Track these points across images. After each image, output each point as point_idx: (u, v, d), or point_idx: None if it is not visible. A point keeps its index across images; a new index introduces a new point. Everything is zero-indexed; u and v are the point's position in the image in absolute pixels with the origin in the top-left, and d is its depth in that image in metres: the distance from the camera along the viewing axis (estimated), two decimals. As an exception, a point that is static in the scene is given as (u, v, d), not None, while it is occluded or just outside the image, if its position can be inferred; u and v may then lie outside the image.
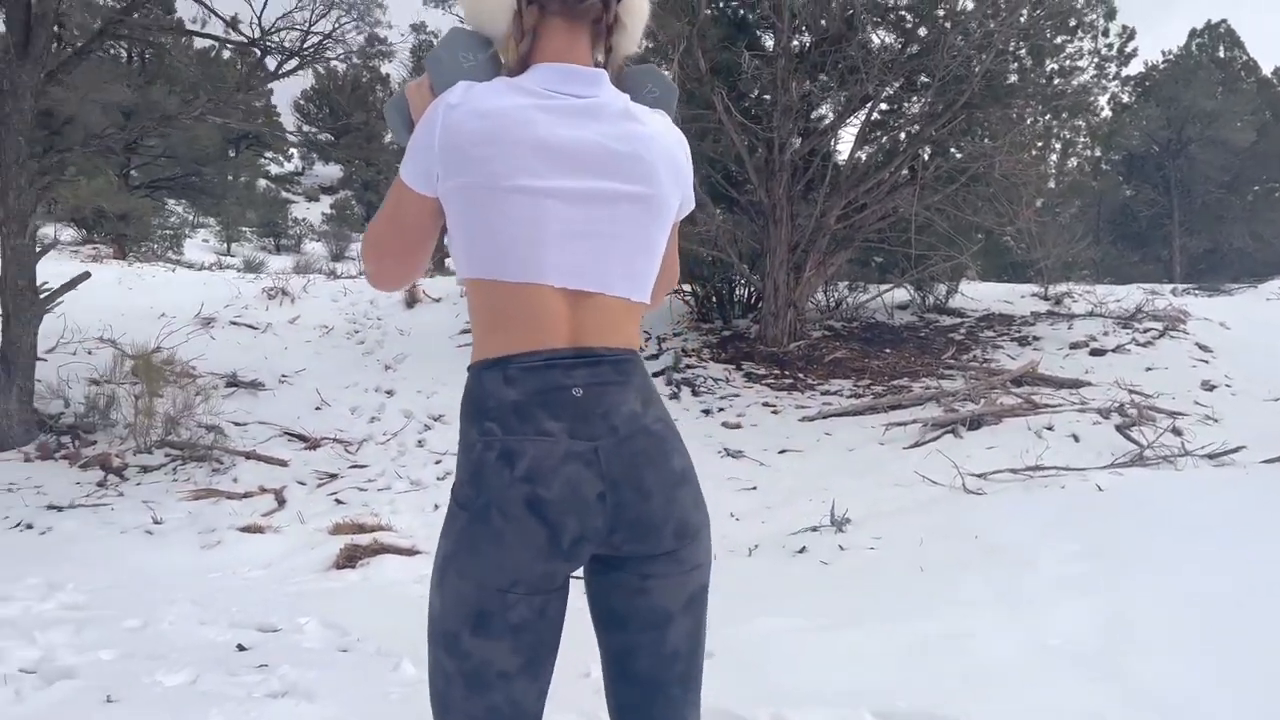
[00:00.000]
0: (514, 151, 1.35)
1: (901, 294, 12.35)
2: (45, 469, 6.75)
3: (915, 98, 9.73)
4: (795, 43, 9.33)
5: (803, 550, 4.75)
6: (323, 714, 2.54)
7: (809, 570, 4.36)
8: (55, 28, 7.41)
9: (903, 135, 10.41)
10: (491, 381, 1.38)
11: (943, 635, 2.99)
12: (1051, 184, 14.52)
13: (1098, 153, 22.02)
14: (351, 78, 35.75)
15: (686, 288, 11.45)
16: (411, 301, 11.53)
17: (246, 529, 5.28)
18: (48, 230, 19.15)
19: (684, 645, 1.44)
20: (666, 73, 1.68)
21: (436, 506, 6.17)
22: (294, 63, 8.60)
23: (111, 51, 22.09)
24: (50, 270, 8.79)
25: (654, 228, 1.46)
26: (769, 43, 9.80)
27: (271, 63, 8.79)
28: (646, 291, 1.48)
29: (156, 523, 5.53)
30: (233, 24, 8.47)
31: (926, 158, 10.48)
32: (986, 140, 10.54)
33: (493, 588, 1.33)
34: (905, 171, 10.22)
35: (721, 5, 9.79)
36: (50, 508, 5.91)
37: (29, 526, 5.51)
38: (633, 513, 1.38)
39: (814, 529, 5.25)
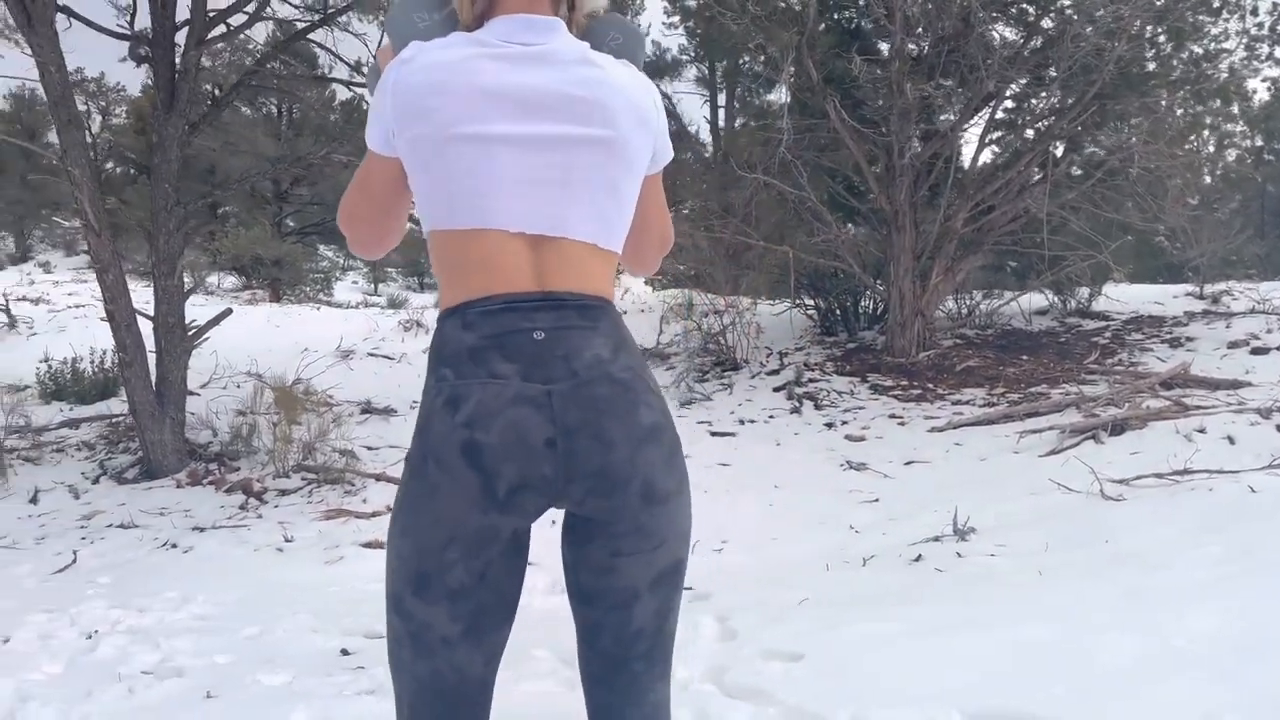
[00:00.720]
0: (461, 99, 1.33)
1: (1040, 299, 11.80)
2: (194, 494, 7.17)
3: (1042, 92, 9.32)
4: (910, 45, 9.10)
5: (918, 559, 4.55)
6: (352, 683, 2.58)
7: (921, 578, 4.16)
8: (197, 83, 7.95)
9: (1030, 132, 9.98)
10: (451, 328, 1.36)
11: (1054, 639, 2.79)
12: (1206, 178, 13.66)
13: (1259, 142, 20.53)
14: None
15: (809, 302, 11.26)
16: (538, 327, 11.77)
17: (369, 544, 5.45)
18: (212, 278, 20.58)
19: (649, 624, 1.40)
20: (635, 21, 1.61)
21: (554, 522, 6.22)
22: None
23: (262, 108, 23.67)
24: (206, 314, 9.40)
25: (618, 172, 1.40)
26: (883, 47, 9.60)
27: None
28: (615, 239, 1.43)
29: (288, 541, 5.78)
30: (356, 68, 8.90)
31: (1059, 154, 10.02)
32: (1127, 133, 10.00)
33: (430, 547, 1.30)
34: (1035, 170, 9.79)
35: (833, 15, 9.65)
36: (195, 529, 6.26)
37: (174, 546, 5.85)
38: (591, 463, 1.30)
39: (936, 539, 5.04)
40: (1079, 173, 10.09)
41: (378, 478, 7.19)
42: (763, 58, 9.69)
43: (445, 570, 1.30)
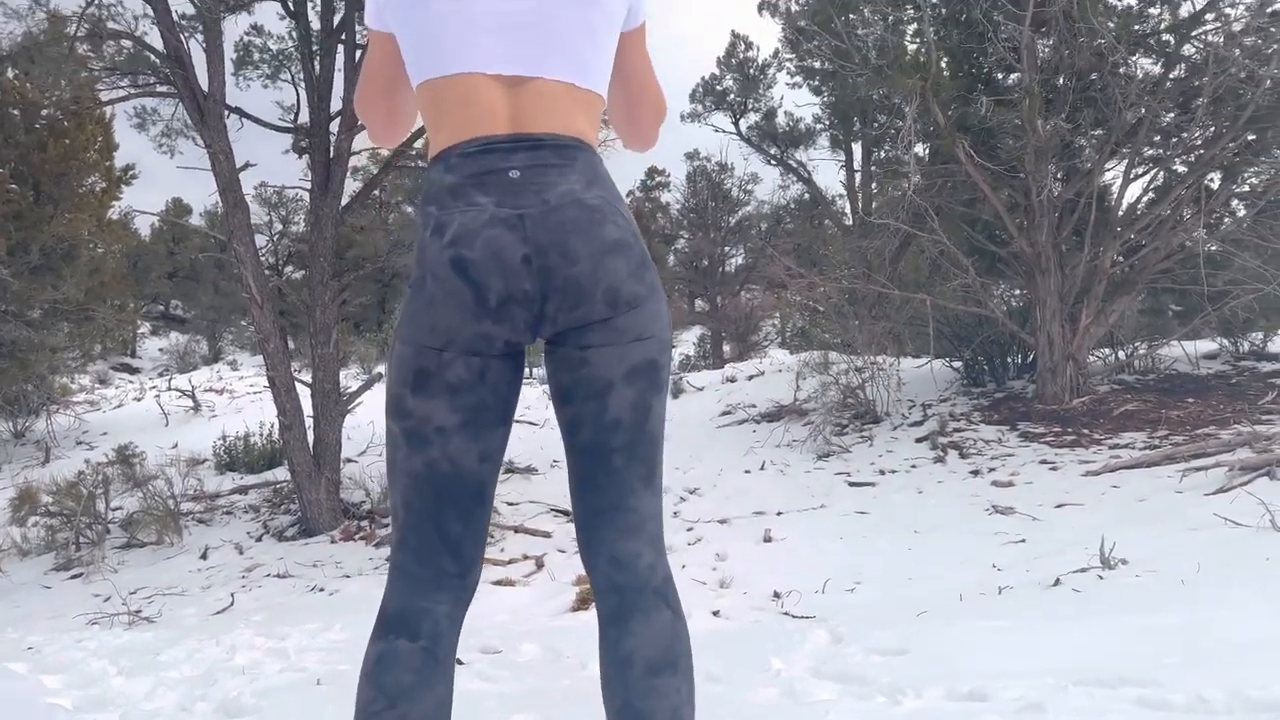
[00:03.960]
0: None
1: (1208, 344, 11.06)
2: (346, 548, 7.51)
3: (1190, 123, 8.89)
4: (1040, 80, 8.89)
5: (1056, 583, 4.29)
6: (496, 690, 2.62)
7: (1056, 599, 3.92)
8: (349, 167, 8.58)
9: (1180, 165, 9.50)
10: (436, 173, 1.43)
11: (1179, 623, 2.57)
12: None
13: None
14: (634, 209, 38.07)
15: (952, 356, 10.91)
16: (677, 392, 11.87)
17: (499, 582, 5.56)
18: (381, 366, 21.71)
19: (626, 415, 1.42)
20: None
21: (684, 566, 6.20)
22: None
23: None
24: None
25: (593, 15, 1.46)
26: (1014, 81, 9.42)
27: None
28: (593, 79, 1.48)
29: (426, 584, 5.97)
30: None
31: (1214, 186, 9.48)
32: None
33: (429, 347, 1.37)
34: (1189, 204, 9.29)
35: (957, 60, 9.55)
36: (344, 576, 6.55)
37: (322, 590, 6.14)
38: (560, 276, 1.36)
39: (1080, 570, 4.73)
40: (1239, 204, 9.52)
41: (516, 529, 7.35)
42: (889, 107, 9.66)
43: (445, 367, 1.37)
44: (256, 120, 8.60)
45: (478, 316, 1.37)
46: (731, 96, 18.09)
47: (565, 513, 7.83)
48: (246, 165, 7.57)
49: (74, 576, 7.33)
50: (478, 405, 1.39)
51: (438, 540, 1.40)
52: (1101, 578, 4.17)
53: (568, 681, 2.86)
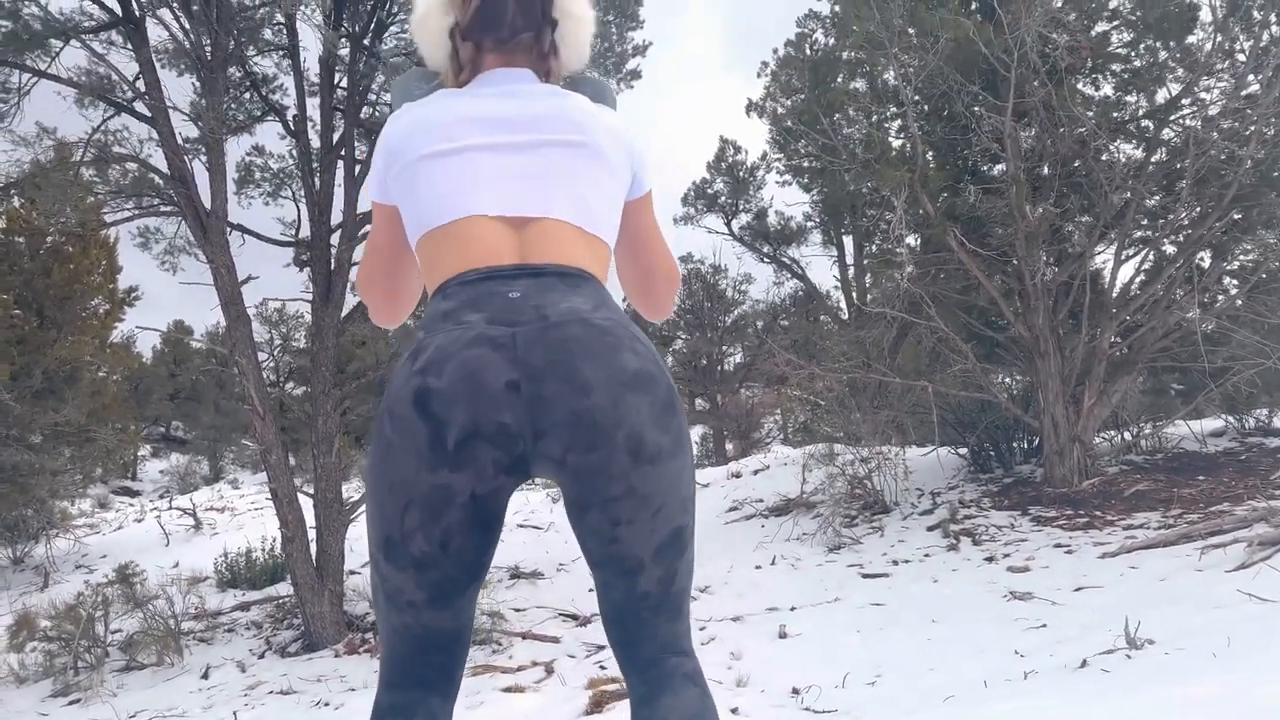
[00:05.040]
0: (437, 127, 1.41)
1: (1214, 422, 11.03)
2: (350, 662, 7.32)
3: (1175, 204, 9.06)
4: (1025, 168, 9.09)
5: (1083, 665, 4.17)
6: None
7: (1085, 679, 3.80)
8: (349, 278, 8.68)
9: (1169, 245, 9.64)
10: (433, 303, 1.34)
11: (1216, 695, 2.48)
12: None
13: None
14: (630, 311, 38.52)
15: (957, 443, 10.86)
16: (683, 490, 11.74)
17: (508, 689, 5.41)
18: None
19: (654, 588, 1.33)
20: (599, 76, 1.72)
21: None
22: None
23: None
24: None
25: (598, 171, 1.41)
26: (1000, 170, 9.62)
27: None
28: (601, 227, 1.41)
29: (434, 694, 5.80)
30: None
31: (1206, 264, 9.60)
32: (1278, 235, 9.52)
33: (391, 513, 1.25)
34: (1181, 283, 9.39)
35: (942, 150, 9.78)
36: (349, 690, 6.37)
37: (327, 704, 5.96)
38: (564, 409, 1.20)
39: (1107, 652, 4.61)
40: (1231, 282, 9.63)
41: (524, 636, 7.18)
42: (876, 197, 9.86)
43: (407, 538, 1.24)
44: (258, 236, 8.75)
45: (432, 465, 1.20)
46: (723, 199, 18.49)
47: (574, 617, 7.67)
48: (249, 278, 7.66)
49: (72, 702, 7.12)
50: (442, 581, 1.27)
51: (421, 669, 1.35)
52: (1129, 657, 4.07)
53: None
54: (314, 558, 7.86)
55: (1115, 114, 9.18)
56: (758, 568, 8.54)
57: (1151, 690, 2.66)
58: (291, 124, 8.84)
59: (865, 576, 7.81)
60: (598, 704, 4.66)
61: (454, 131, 1.40)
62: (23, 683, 7.69)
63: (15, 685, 7.69)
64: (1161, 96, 9.22)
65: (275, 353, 26.84)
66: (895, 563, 8.08)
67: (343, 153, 8.59)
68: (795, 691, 5.02)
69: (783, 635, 6.47)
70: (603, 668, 6.23)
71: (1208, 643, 4.11)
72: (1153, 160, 9.19)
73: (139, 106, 7.76)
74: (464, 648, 1.38)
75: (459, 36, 1.48)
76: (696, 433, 27.26)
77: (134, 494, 27.24)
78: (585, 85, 1.59)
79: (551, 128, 1.41)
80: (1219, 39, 8.70)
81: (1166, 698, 2.51)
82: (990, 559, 7.77)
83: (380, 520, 1.28)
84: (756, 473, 12.92)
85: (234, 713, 5.83)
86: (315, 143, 8.76)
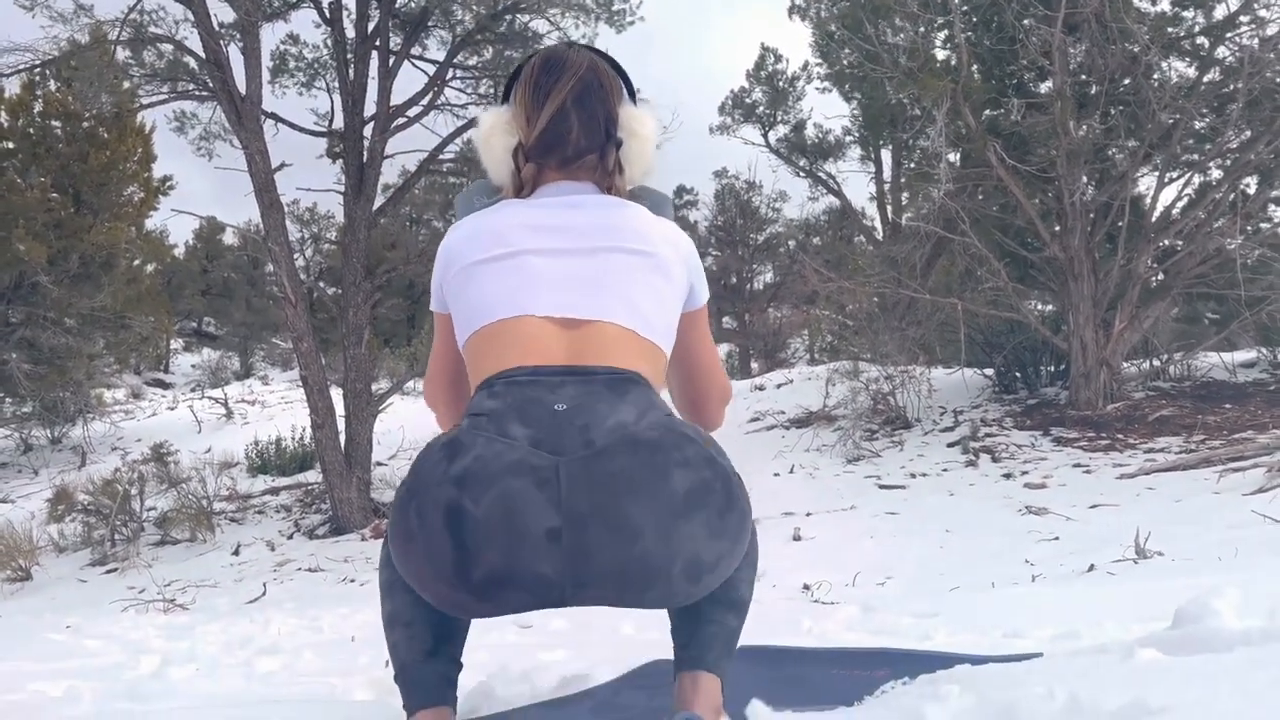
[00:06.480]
0: (492, 235, 1.39)
1: (1247, 353, 10.91)
2: (376, 546, 7.54)
3: (1226, 127, 8.82)
4: (1072, 84, 8.86)
5: (1090, 569, 4.24)
6: (527, 641, 2.62)
7: (1089, 580, 3.87)
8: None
9: (1215, 169, 9.41)
10: (478, 398, 1.28)
11: (1215, 583, 2.53)
12: None
13: None
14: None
15: (986, 364, 10.83)
16: (706, 399, 11.83)
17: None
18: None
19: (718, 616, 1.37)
20: (659, 190, 1.66)
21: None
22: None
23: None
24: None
25: (656, 279, 1.38)
26: (1046, 87, 9.39)
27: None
28: (656, 333, 1.36)
29: (455, 576, 6.00)
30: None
31: (1252, 190, 9.38)
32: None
33: (401, 592, 1.31)
34: (1225, 208, 9.20)
35: (988, 63, 9.53)
36: (375, 569, 6.59)
37: (353, 581, 6.19)
38: (609, 560, 1.11)
39: (1115, 561, 4.68)
40: (1277, 209, 9.43)
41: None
42: (917, 110, 9.66)
43: (413, 609, 1.31)
44: (291, 125, 8.75)
45: (453, 585, 1.14)
46: (761, 109, 18.14)
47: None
48: (282, 165, 7.69)
49: (109, 571, 7.42)
50: (440, 635, 1.34)
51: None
52: (1136, 563, 4.12)
53: (598, 636, 2.87)
54: (343, 446, 8.04)
55: (1170, 29, 8.89)
56: (776, 475, 8.65)
57: (1147, 581, 2.72)
58: (327, 12, 8.76)
59: (882, 487, 7.90)
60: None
61: (510, 237, 1.38)
62: (62, 551, 8.01)
63: (55, 553, 8.01)
64: (1220, 13, 8.91)
65: (306, 252, 27.01)
66: (913, 475, 8.15)
67: (378, 43, 8.51)
68: (806, 587, 5.13)
69: (797, 538, 6.60)
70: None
71: (1216, 554, 4.16)
72: (1205, 80, 8.92)
73: (175, -14, 7.71)
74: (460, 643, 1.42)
75: (522, 158, 1.46)
76: (722, 350, 27.32)
77: (167, 386, 27.79)
78: (646, 197, 1.58)
79: (611, 236, 1.38)
80: (1286, -47, 8.37)
81: (1160, 586, 2.57)
82: (1008, 475, 7.83)
83: (389, 591, 1.36)
84: (780, 386, 12.98)
85: (264, 584, 6.06)
86: (350, 32, 8.68)
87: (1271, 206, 9.53)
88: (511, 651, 2.56)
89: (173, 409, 17.99)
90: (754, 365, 24.14)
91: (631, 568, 1.11)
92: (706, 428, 1.53)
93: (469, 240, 1.40)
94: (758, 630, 3.18)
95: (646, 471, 1.13)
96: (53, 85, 12.05)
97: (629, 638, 2.76)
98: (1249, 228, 9.27)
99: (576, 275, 1.33)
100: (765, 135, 18.30)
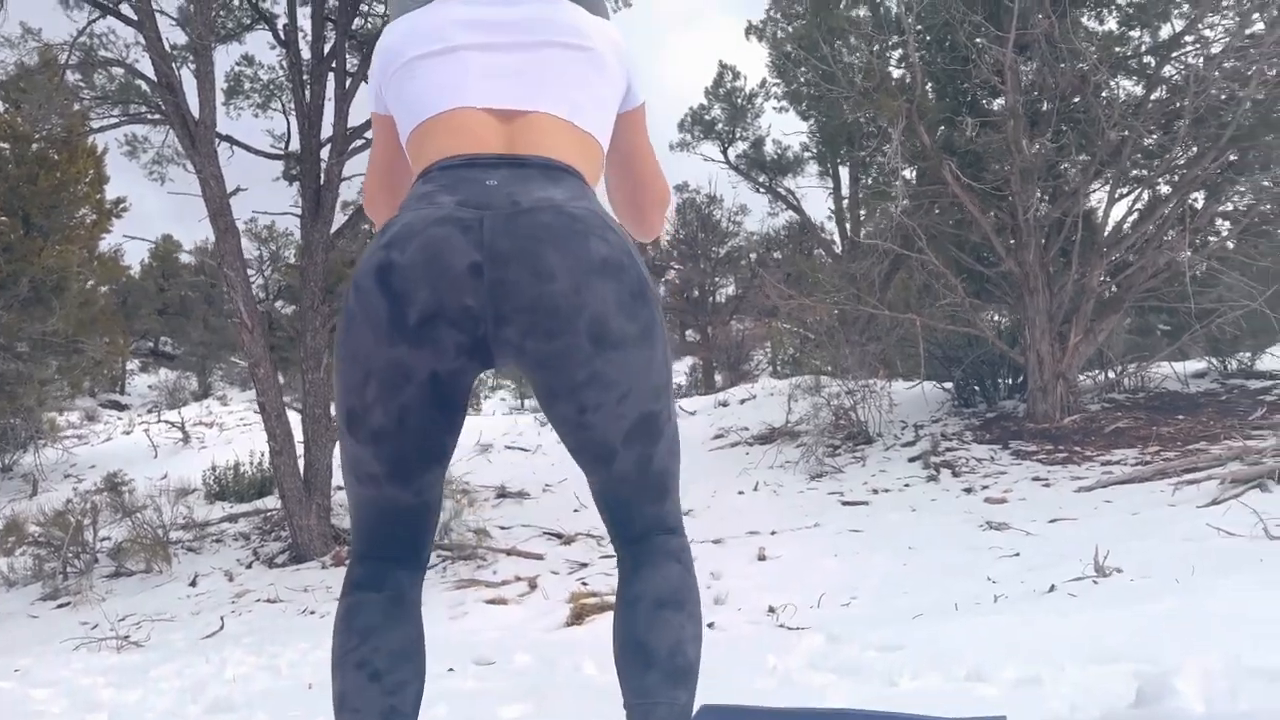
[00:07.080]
0: (428, 31, 1.41)
1: (1196, 363, 11.12)
2: (337, 573, 7.43)
3: (1173, 143, 9.00)
4: (1024, 102, 9.01)
5: (1051, 589, 4.28)
6: (490, 688, 2.59)
7: (1049, 602, 3.91)
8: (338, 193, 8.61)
9: (1162, 184, 9.60)
10: (414, 188, 1.32)
11: (1172, 609, 2.57)
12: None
13: None
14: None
15: (945, 378, 10.95)
16: (670, 417, 11.85)
17: (491, 601, 5.53)
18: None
19: (630, 472, 1.35)
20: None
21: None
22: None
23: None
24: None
25: (591, 72, 1.41)
26: (999, 105, 9.53)
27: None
28: (592, 122, 1.41)
29: (418, 605, 5.92)
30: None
31: (1200, 205, 9.57)
32: (1274, 177, 9.49)
33: (353, 385, 1.26)
34: (1174, 223, 9.38)
35: (941, 82, 9.67)
36: (335, 599, 6.49)
37: (313, 613, 6.09)
38: (525, 295, 1.18)
39: (1075, 579, 4.73)
40: (1224, 223, 9.62)
41: (509, 552, 7.30)
42: (872, 129, 9.77)
43: (367, 410, 1.25)
44: (246, 147, 8.65)
45: (390, 340, 1.20)
46: (720, 126, 18.26)
47: (558, 535, 7.79)
48: (237, 190, 7.60)
49: (61, 605, 7.24)
50: (399, 456, 1.28)
51: (387, 541, 1.37)
52: (1096, 583, 4.17)
53: (562, 679, 2.84)
54: (302, 472, 7.93)
55: (1118, 49, 9.07)
56: (740, 493, 8.66)
57: (1107, 609, 2.75)
58: (282, 33, 8.68)
59: (845, 504, 7.94)
60: (578, 616, 4.77)
61: (446, 33, 1.40)
62: (12, 585, 7.81)
63: (5, 588, 7.81)
64: (1165, 33, 9.10)
65: (264, 270, 26.69)
66: (875, 491, 8.20)
67: (334, 65, 8.44)
68: (771, 610, 5.14)
69: (762, 557, 6.60)
70: (584, 583, 6.36)
71: (1172, 570, 4.21)
72: (1152, 98, 9.11)
73: (125, 9, 7.59)
74: (429, 524, 1.40)
75: None
76: (686, 363, 27.36)
77: (122, 408, 27.28)
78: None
79: (547, 30, 1.41)
80: (1227, -26, 8.58)
81: (1119, 616, 2.59)
82: (969, 490, 7.90)
83: (343, 392, 1.29)
84: (743, 402, 13.02)
85: (221, 618, 5.95)
86: (305, 54, 8.60)
87: (1218, 220, 9.72)
88: (468, 703, 2.53)
89: (128, 433, 17.68)
90: (717, 378, 24.20)
91: (543, 306, 1.17)
92: (645, 235, 1.62)
93: (406, 37, 1.42)
94: (722, 662, 3.18)
95: (567, 231, 1.20)
96: (1, 107, 11.82)
97: (590, 678, 2.74)
98: (1197, 241, 9.44)
99: (513, 68, 1.36)
100: (725, 151, 18.42)
